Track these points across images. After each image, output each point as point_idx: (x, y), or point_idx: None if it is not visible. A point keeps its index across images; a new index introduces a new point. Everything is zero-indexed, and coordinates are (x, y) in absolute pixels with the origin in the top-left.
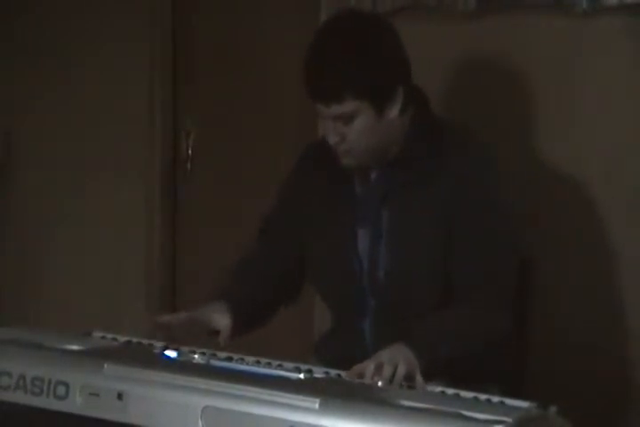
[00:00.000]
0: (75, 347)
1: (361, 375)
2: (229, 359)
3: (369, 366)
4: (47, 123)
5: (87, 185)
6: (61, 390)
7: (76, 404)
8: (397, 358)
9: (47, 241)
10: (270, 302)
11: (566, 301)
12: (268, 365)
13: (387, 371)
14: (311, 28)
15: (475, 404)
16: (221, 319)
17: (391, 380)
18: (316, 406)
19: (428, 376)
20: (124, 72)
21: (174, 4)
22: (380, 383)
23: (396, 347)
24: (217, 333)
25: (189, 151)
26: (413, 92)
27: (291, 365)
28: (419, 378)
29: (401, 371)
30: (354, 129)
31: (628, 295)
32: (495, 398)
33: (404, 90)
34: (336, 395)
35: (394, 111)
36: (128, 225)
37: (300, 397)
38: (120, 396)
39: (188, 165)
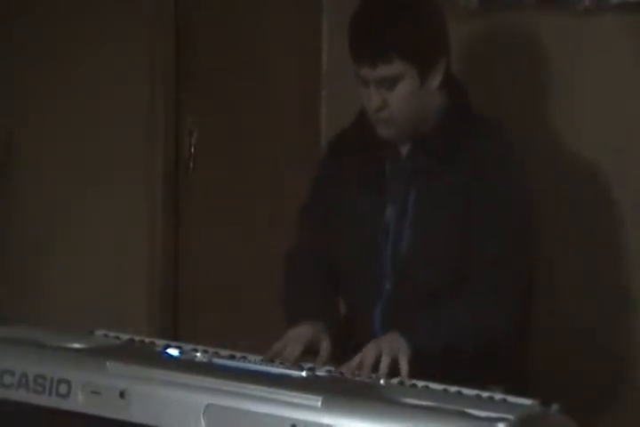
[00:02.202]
0: (77, 345)
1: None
2: (232, 357)
3: (353, 360)
4: (48, 122)
5: (88, 185)
6: (63, 388)
7: (78, 402)
8: (383, 346)
9: (48, 241)
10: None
11: (567, 301)
12: (271, 363)
13: (368, 360)
14: (312, 29)
15: (477, 402)
16: (322, 341)
17: (375, 369)
18: (319, 404)
19: (427, 366)
20: (125, 72)
21: (176, 3)
22: (382, 381)
23: (388, 336)
24: (315, 351)
25: (192, 150)
26: (453, 78)
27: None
28: (403, 366)
29: (385, 361)
30: (397, 94)
31: (630, 295)
32: (498, 396)
33: (446, 64)
34: (339, 393)
35: (435, 82)
36: (130, 225)
37: (303, 395)
38: (122, 394)
39: (191, 165)
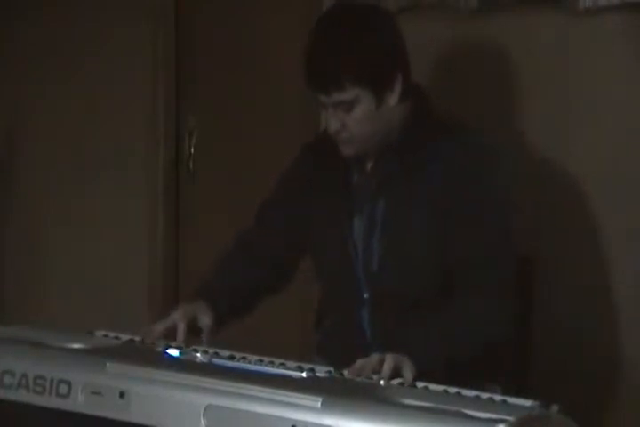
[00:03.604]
0: (77, 345)
1: (361, 371)
2: (232, 358)
3: (357, 362)
4: (49, 122)
5: (89, 184)
6: (64, 388)
7: (79, 402)
8: (387, 354)
9: (49, 240)
10: (257, 290)
11: (567, 301)
12: (271, 363)
13: (372, 360)
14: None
15: (477, 403)
16: (203, 319)
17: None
18: (319, 404)
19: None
20: (126, 71)
21: (177, 3)
22: (382, 382)
23: (392, 354)
24: (199, 331)
25: (192, 150)
26: (413, 85)
27: (293, 363)
28: (407, 373)
29: (388, 364)
30: (354, 116)
31: (629, 295)
32: (497, 397)
33: (403, 78)
34: (338, 394)
35: (393, 99)
36: (130, 224)
37: (303, 395)
38: (122, 394)
39: (191, 165)
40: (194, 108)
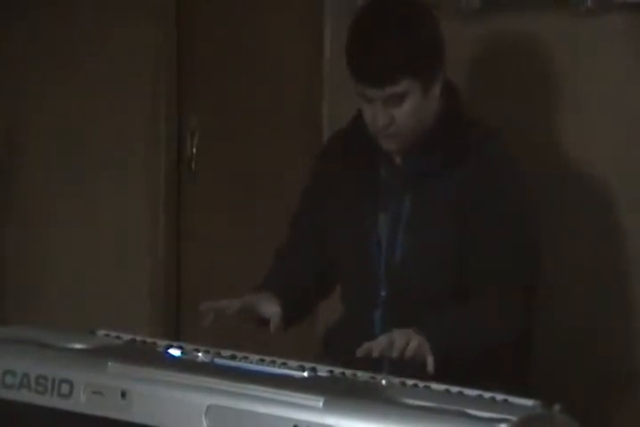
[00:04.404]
0: (78, 345)
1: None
2: (233, 358)
3: (379, 341)
4: (49, 122)
5: (90, 185)
6: (65, 388)
7: (80, 402)
8: (409, 334)
9: (49, 240)
10: (310, 294)
11: (567, 301)
12: (272, 363)
13: (399, 342)
14: (314, 28)
15: (479, 402)
16: (270, 307)
17: (402, 354)
18: (320, 404)
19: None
20: (127, 71)
21: (178, 3)
22: (383, 382)
23: (407, 329)
24: (265, 322)
25: (194, 151)
26: (447, 81)
27: (295, 363)
28: (429, 355)
29: (413, 344)
30: (404, 109)
31: (630, 295)
32: (499, 397)
33: (443, 70)
34: (340, 393)
35: (437, 91)
36: (132, 225)
37: (305, 395)
38: (124, 394)
39: (193, 165)
40: (195, 108)
